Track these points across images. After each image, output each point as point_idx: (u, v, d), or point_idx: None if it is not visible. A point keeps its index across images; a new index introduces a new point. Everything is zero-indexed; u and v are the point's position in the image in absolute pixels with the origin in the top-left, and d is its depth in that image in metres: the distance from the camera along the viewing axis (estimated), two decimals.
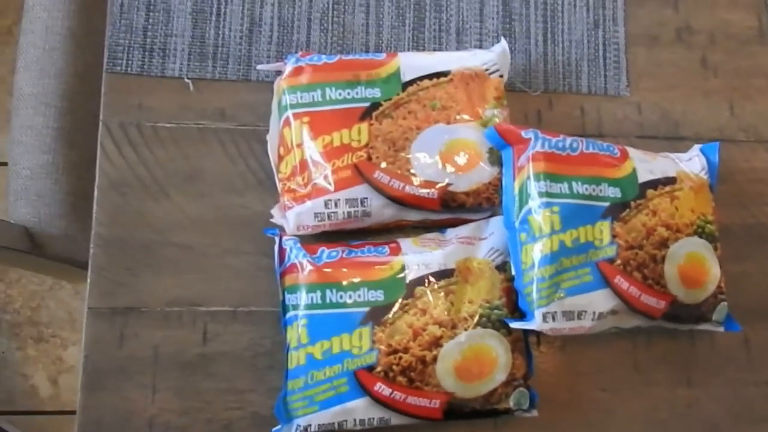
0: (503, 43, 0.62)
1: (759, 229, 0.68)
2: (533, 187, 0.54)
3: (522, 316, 0.56)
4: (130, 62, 0.63)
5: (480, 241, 0.58)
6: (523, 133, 0.56)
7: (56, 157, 0.78)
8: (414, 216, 0.58)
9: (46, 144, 0.78)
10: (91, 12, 0.82)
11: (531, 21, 0.69)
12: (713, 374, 0.64)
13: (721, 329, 0.60)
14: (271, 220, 0.59)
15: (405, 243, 0.57)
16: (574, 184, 0.55)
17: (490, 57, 0.61)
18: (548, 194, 0.54)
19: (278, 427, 0.55)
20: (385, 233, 0.60)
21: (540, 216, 0.54)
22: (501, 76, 0.61)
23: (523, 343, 0.57)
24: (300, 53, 0.60)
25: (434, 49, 0.66)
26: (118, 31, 0.64)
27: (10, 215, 0.78)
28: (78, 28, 0.81)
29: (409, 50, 0.66)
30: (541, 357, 0.62)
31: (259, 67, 0.61)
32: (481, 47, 0.67)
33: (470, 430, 0.60)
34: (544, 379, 0.62)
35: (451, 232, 0.59)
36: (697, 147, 0.64)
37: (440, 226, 0.60)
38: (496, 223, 0.59)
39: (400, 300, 0.54)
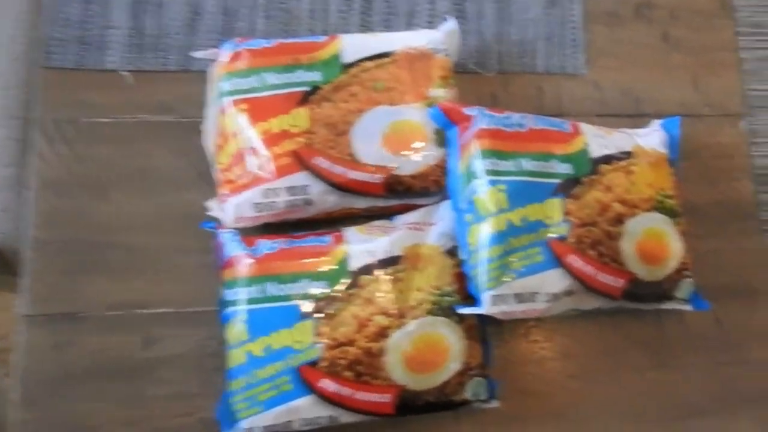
0: (451, 23, 0.59)
1: (728, 205, 0.65)
2: (478, 165, 0.52)
3: (474, 302, 0.53)
4: (66, 56, 0.61)
5: (429, 227, 0.56)
6: (466, 111, 0.54)
7: (22, 170, 0.76)
8: (360, 203, 0.56)
9: (10, 156, 0.76)
10: None
11: (483, 1, 0.67)
12: (686, 355, 0.62)
13: (689, 307, 0.58)
14: (208, 213, 0.56)
15: (349, 231, 0.55)
16: (521, 161, 0.52)
17: (436, 36, 0.59)
18: (494, 172, 0.52)
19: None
20: (331, 223, 0.57)
21: (486, 195, 0.51)
22: (448, 56, 0.58)
23: (479, 331, 0.55)
24: (238, 39, 0.58)
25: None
26: (53, 25, 0.62)
27: None
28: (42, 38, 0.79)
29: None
30: (505, 346, 0.60)
31: (195, 54, 0.58)
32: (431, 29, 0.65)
33: (430, 425, 0.57)
34: (509, 369, 0.59)
35: (400, 219, 0.57)
36: (656, 122, 0.62)
37: (389, 214, 0.57)
38: (446, 207, 0.56)
39: (344, 290, 0.52)
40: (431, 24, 0.66)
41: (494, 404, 0.55)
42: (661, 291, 0.55)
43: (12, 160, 0.76)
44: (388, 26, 0.65)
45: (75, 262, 0.58)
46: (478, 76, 0.65)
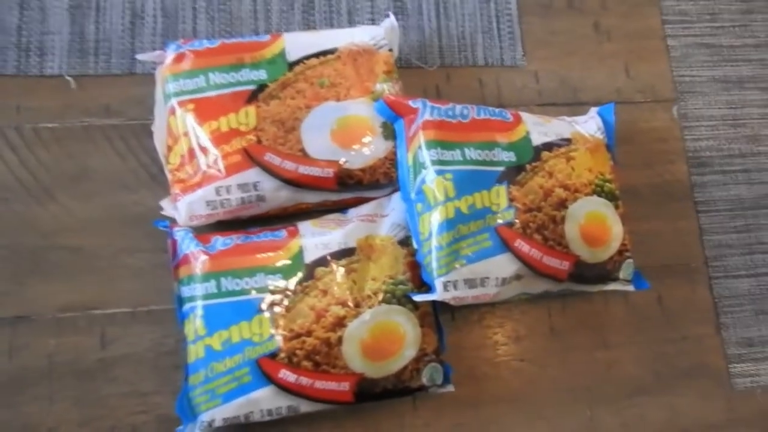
0: (391, 18, 0.61)
1: (665, 186, 0.68)
2: (425, 156, 0.54)
3: (428, 290, 0.55)
4: (4, 62, 0.60)
5: (382, 218, 0.57)
6: (411, 103, 0.55)
7: None
8: (312, 198, 0.57)
9: None
10: None
11: None
12: (630, 334, 0.64)
13: (631, 288, 0.60)
14: (161, 212, 0.56)
15: (303, 225, 0.56)
16: (466, 150, 0.54)
17: (377, 32, 0.60)
18: (440, 162, 0.53)
19: (182, 426, 0.52)
20: (285, 219, 0.58)
21: (434, 184, 0.53)
22: (390, 51, 0.60)
23: (433, 318, 0.56)
24: (181, 40, 0.58)
25: None
26: None
27: None
28: None
29: None
30: (457, 332, 0.61)
31: (138, 56, 0.58)
32: None
33: (389, 411, 0.58)
34: (462, 354, 0.61)
35: (353, 212, 0.58)
36: (594, 109, 0.64)
37: (342, 207, 0.58)
38: (397, 198, 0.57)
39: (299, 282, 0.52)
40: (372, 21, 0.67)
41: (449, 389, 0.56)
42: (604, 272, 0.58)
43: None
44: (330, 24, 0.66)
45: (25, 266, 0.57)
46: (422, 70, 0.67)
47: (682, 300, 0.65)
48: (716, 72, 0.72)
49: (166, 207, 0.56)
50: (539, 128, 0.58)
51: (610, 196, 0.59)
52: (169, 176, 0.57)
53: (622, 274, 0.59)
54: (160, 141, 0.57)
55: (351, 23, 0.67)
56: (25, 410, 0.55)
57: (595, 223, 0.57)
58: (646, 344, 0.64)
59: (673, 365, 0.64)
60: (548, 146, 0.57)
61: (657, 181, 0.68)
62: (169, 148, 0.57)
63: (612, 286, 0.60)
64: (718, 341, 0.65)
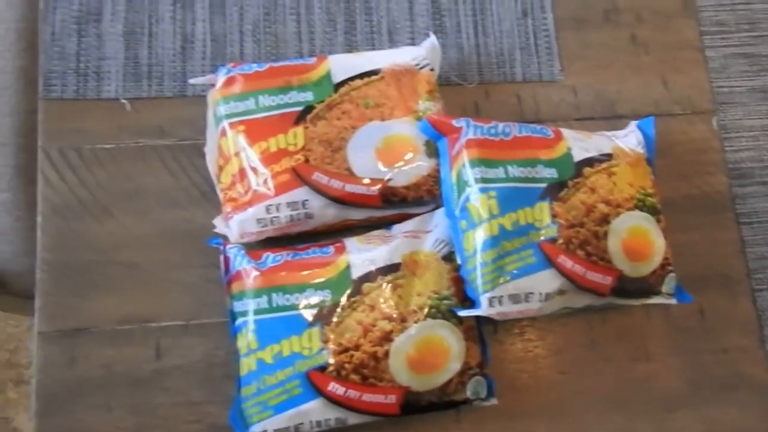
0: (432, 38, 0.62)
1: (702, 198, 0.69)
2: (469, 174, 0.55)
3: (472, 304, 0.56)
4: (65, 88, 0.64)
5: (426, 234, 0.58)
6: (455, 122, 0.57)
7: (16, 194, 0.78)
8: (357, 214, 0.59)
9: (5, 182, 0.78)
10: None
11: (461, 15, 0.70)
12: (670, 346, 0.64)
13: (673, 301, 0.61)
14: (214, 230, 0.59)
15: (350, 242, 0.57)
16: (509, 167, 0.56)
17: (419, 52, 0.62)
18: (484, 180, 0.55)
19: None
20: (332, 235, 0.60)
21: (478, 202, 0.54)
22: (432, 70, 0.61)
23: (477, 332, 0.58)
24: (231, 64, 0.61)
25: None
26: (51, 58, 0.64)
27: None
28: (29, 67, 0.81)
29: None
30: (499, 345, 0.62)
31: (191, 81, 0.61)
32: (414, 46, 0.68)
33: (432, 423, 0.60)
34: (503, 367, 0.62)
35: (397, 228, 0.59)
36: (633, 123, 0.65)
37: (386, 223, 0.60)
38: (440, 214, 0.59)
39: (347, 298, 0.54)
40: (412, 40, 0.69)
41: (493, 402, 0.58)
42: (647, 286, 0.58)
43: (7, 186, 0.78)
44: (371, 44, 0.68)
45: (84, 280, 0.60)
46: (461, 87, 0.68)
47: (723, 312, 0.66)
48: (756, 82, 0.72)
49: (219, 225, 0.58)
50: (580, 144, 0.59)
51: (652, 210, 0.60)
52: (221, 195, 0.59)
53: (664, 288, 0.60)
54: (211, 161, 0.60)
55: (391, 42, 0.68)
56: (84, 418, 0.57)
57: (638, 237, 0.58)
58: (687, 356, 0.64)
59: (713, 377, 0.64)
60: (589, 162, 0.58)
61: (696, 193, 0.69)
62: (221, 168, 0.59)
63: (654, 300, 0.60)
64: (761, 354, 0.65)
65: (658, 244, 0.59)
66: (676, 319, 0.65)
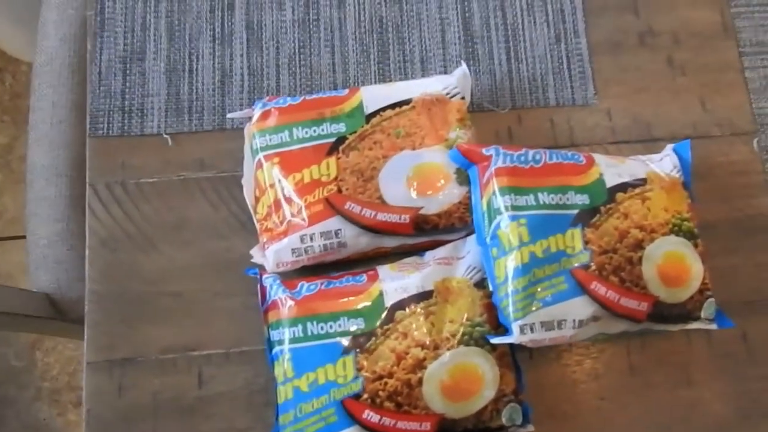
0: (463, 67, 0.63)
1: (744, 221, 0.67)
2: (499, 202, 0.55)
3: (505, 331, 0.56)
4: (111, 125, 0.67)
5: (458, 261, 0.59)
6: (484, 151, 0.57)
7: (70, 223, 0.81)
8: (390, 242, 0.60)
9: (60, 212, 0.82)
10: None
11: (493, 42, 0.71)
12: (713, 372, 0.63)
13: (714, 326, 0.60)
14: (252, 260, 0.60)
15: (383, 270, 0.58)
16: (539, 195, 0.56)
17: (450, 81, 0.62)
18: (514, 207, 0.55)
19: None
20: (364, 262, 0.61)
21: (508, 229, 0.55)
22: (463, 98, 0.62)
23: (511, 358, 0.58)
24: (267, 98, 0.63)
25: (400, 80, 0.68)
26: (98, 97, 0.67)
27: (32, 284, 0.82)
28: (82, 100, 0.85)
29: (376, 84, 0.68)
30: (535, 370, 0.62)
31: (229, 115, 0.63)
32: (446, 73, 0.69)
33: None
34: (541, 393, 0.62)
35: (429, 255, 0.60)
36: (669, 147, 0.64)
37: (419, 250, 0.61)
38: (472, 241, 0.59)
39: (380, 326, 0.55)
40: (445, 68, 0.70)
41: (529, 429, 0.57)
42: (685, 312, 0.58)
43: (62, 216, 0.81)
44: (404, 73, 0.69)
45: (129, 311, 0.62)
46: (494, 113, 0.69)
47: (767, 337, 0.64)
48: None
49: (256, 255, 0.60)
50: (613, 169, 0.59)
51: (689, 235, 0.59)
52: (258, 225, 0.61)
53: (703, 314, 0.59)
54: (248, 192, 0.62)
55: (424, 71, 0.70)
56: None
57: (674, 262, 0.57)
58: (731, 382, 0.63)
59: (759, 403, 0.63)
60: (623, 187, 0.58)
61: (737, 216, 0.68)
62: (257, 199, 0.61)
63: (694, 326, 0.59)
64: None
65: (695, 269, 0.58)
66: (718, 344, 0.64)
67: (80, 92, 0.85)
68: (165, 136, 0.67)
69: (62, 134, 0.85)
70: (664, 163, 0.62)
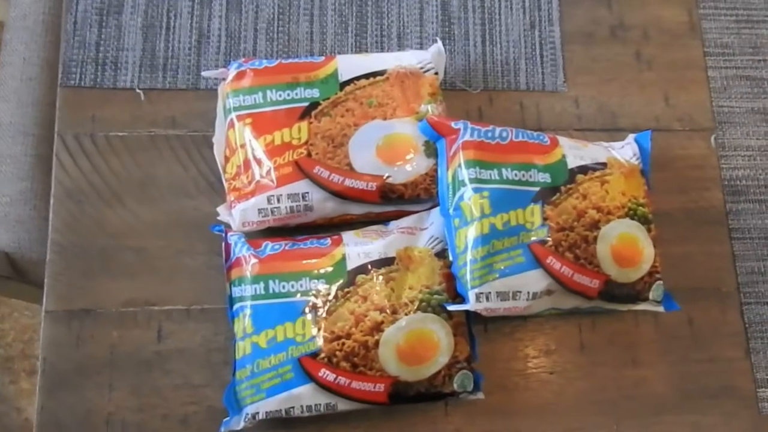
0: (438, 44, 0.65)
1: (699, 212, 0.70)
2: (464, 174, 0.57)
3: (462, 301, 0.58)
4: (83, 76, 0.66)
5: (421, 231, 0.60)
6: (453, 124, 0.59)
7: (35, 183, 0.80)
8: (356, 209, 0.61)
9: (24, 171, 0.81)
10: None
11: (469, 24, 0.72)
12: (659, 354, 0.66)
13: (660, 308, 0.62)
14: (218, 218, 0.61)
15: (347, 235, 0.60)
16: (503, 170, 0.57)
17: (425, 56, 0.64)
18: (478, 180, 0.57)
19: (228, 417, 0.56)
20: (330, 229, 0.62)
21: (471, 201, 0.56)
22: (436, 74, 0.63)
23: (466, 328, 0.59)
24: (243, 59, 0.63)
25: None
26: (72, 47, 0.67)
27: None
28: (54, 59, 0.84)
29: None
30: (490, 343, 0.64)
31: (203, 73, 0.63)
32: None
33: (422, 415, 0.61)
34: (493, 364, 0.63)
35: (393, 224, 0.61)
36: (631, 136, 0.67)
37: (384, 219, 0.62)
38: (436, 213, 0.61)
39: (341, 288, 0.56)
40: (421, 45, 0.71)
41: (479, 396, 0.59)
42: (634, 292, 0.60)
43: (26, 175, 0.80)
44: (380, 47, 0.70)
45: (92, 263, 0.62)
46: (466, 93, 0.70)
47: (712, 323, 0.67)
48: (756, 104, 0.74)
49: (222, 213, 0.61)
50: (575, 152, 0.61)
51: (643, 219, 0.61)
52: (226, 185, 0.61)
53: (652, 295, 0.61)
54: (219, 152, 0.62)
55: (400, 47, 0.71)
56: (88, 395, 0.60)
57: (627, 244, 0.60)
58: (675, 364, 0.66)
59: (700, 386, 0.65)
60: (583, 169, 0.60)
61: (691, 207, 0.70)
62: (227, 159, 0.61)
63: (642, 306, 0.62)
64: (747, 365, 0.66)
65: (647, 252, 0.60)
66: (665, 328, 0.66)
67: (53, 50, 0.84)
68: (138, 91, 0.67)
69: (32, 92, 0.83)
70: (625, 150, 0.64)
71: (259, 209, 0.59)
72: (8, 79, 0.84)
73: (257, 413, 0.55)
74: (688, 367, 0.66)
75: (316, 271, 0.57)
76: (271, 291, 0.56)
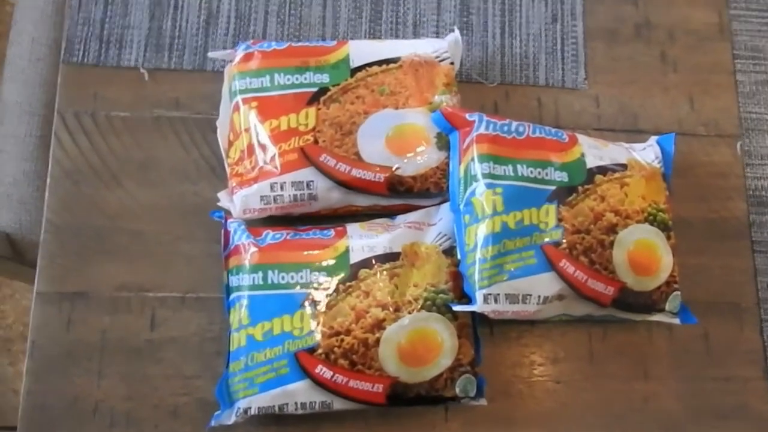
0: (456, 33, 0.62)
1: (720, 223, 0.67)
2: (477, 169, 0.54)
3: (468, 301, 0.55)
4: (87, 53, 0.64)
5: (429, 227, 0.58)
6: (468, 116, 0.56)
7: (38, 164, 0.79)
8: (362, 201, 0.58)
9: (29, 152, 0.79)
10: None
11: (489, 14, 0.69)
12: (671, 369, 0.63)
13: (677, 321, 0.59)
14: (218, 203, 0.58)
15: (352, 227, 0.57)
16: (518, 166, 0.55)
17: (441, 45, 0.61)
18: (491, 175, 0.54)
19: (219, 411, 0.54)
20: (335, 220, 0.59)
21: (483, 197, 0.53)
22: (452, 64, 0.61)
23: (471, 330, 0.57)
24: (251, 41, 0.61)
25: None
26: (76, 23, 0.65)
27: None
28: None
29: None
30: (495, 347, 0.61)
31: (210, 54, 0.61)
32: None
33: (420, 419, 0.59)
34: (498, 369, 0.61)
35: (400, 218, 0.59)
36: (653, 138, 0.64)
37: (391, 213, 0.60)
38: (445, 209, 0.58)
39: (343, 282, 0.54)
40: (437, 35, 0.68)
41: (482, 402, 0.57)
42: (650, 302, 0.57)
43: (31, 155, 0.79)
44: (395, 35, 0.68)
45: (87, 244, 0.60)
46: (481, 86, 0.68)
47: (729, 339, 0.64)
48: None
49: (223, 199, 0.58)
50: (595, 152, 0.58)
51: (663, 226, 0.58)
52: (228, 170, 0.59)
53: (668, 306, 0.58)
54: (222, 135, 0.60)
55: (416, 35, 0.68)
56: (77, 381, 0.57)
57: (645, 251, 0.57)
58: (687, 380, 0.63)
59: (713, 404, 0.63)
60: (602, 170, 0.57)
61: (712, 217, 0.67)
62: (230, 143, 0.59)
63: (657, 317, 0.59)
64: (763, 385, 0.63)
65: (665, 261, 0.57)
66: (679, 342, 0.64)
67: (61, 31, 0.82)
68: (142, 70, 0.64)
69: (39, 72, 0.82)
70: (647, 152, 0.62)
71: (261, 196, 0.56)
72: (16, 58, 0.83)
73: (249, 408, 0.53)
74: (701, 384, 0.63)
75: (317, 263, 0.54)
76: (269, 281, 0.54)
